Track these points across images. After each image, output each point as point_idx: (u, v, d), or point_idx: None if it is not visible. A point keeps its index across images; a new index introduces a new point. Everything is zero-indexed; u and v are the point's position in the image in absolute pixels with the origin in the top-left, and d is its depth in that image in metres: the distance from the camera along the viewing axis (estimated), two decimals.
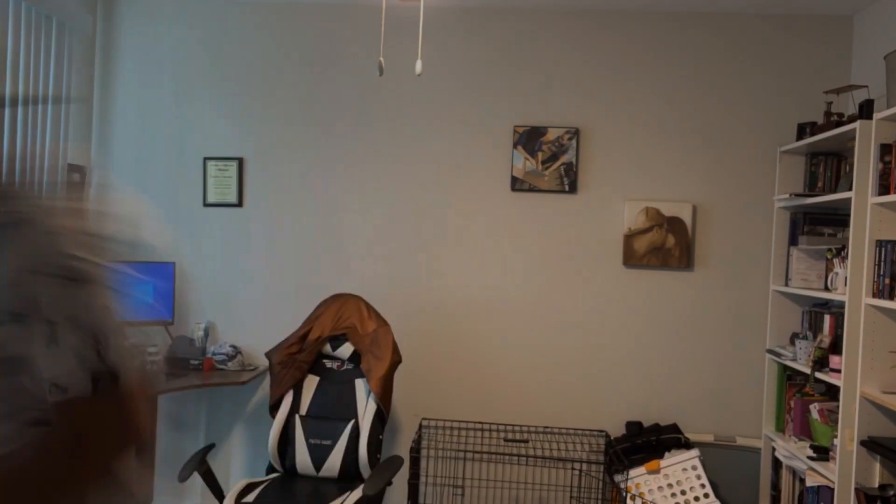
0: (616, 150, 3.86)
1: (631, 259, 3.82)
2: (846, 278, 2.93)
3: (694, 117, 3.83)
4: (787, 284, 3.60)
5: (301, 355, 3.37)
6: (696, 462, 3.54)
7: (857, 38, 3.72)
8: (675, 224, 3.79)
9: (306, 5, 3.95)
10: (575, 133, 3.83)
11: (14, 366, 0.77)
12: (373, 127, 3.94)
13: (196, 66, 3.99)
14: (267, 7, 3.96)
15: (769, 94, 3.80)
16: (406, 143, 3.93)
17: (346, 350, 3.36)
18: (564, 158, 3.84)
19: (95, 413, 0.84)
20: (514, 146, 3.85)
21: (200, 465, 3.01)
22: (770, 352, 3.63)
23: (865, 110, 2.92)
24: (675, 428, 3.72)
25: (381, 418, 3.19)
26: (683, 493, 3.48)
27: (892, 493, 2.71)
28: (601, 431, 3.85)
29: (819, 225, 3.57)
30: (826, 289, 3.32)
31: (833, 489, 2.92)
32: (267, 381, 3.90)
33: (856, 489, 2.79)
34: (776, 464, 3.57)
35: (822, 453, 3.15)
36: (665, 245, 3.79)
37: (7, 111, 3.22)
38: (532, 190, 3.86)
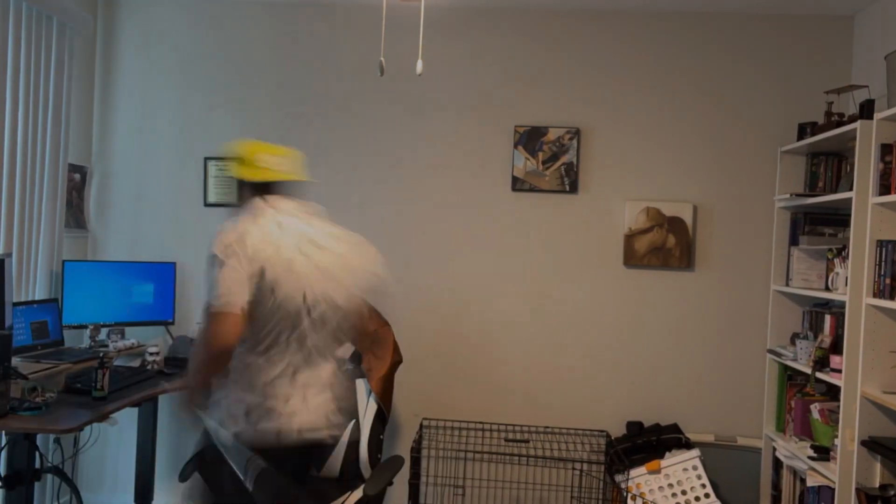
0: (617, 150, 3.86)
1: (631, 259, 3.82)
2: (847, 278, 2.93)
3: (695, 117, 3.83)
4: (787, 284, 3.60)
5: None
6: (697, 462, 3.54)
7: (857, 38, 3.72)
8: (675, 224, 3.79)
9: (307, 5, 3.95)
10: (576, 133, 3.83)
11: None
12: (374, 126, 3.94)
13: (197, 65, 4.00)
14: (268, 7, 3.96)
15: (770, 94, 3.80)
16: (407, 143, 3.93)
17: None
18: (565, 158, 3.84)
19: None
20: (515, 146, 3.85)
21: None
22: (771, 352, 3.63)
23: (866, 110, 2.92)
24: (675, 428, 3.72)
25: (382, 418, 3.18)
26: (684, 493, 3.48)
27: (892, 493, 2.71)
28: (602, 431, 3.85)
29: (820, 225, 3.57)
30: (827, 289, 3.32)
31: (834, 489, 2.92)
32: None
33: (856, 489, 2.80)
34: (777, 464, 3.57)
35: (823, 453, 3.15)
36: (666, 245, 3.80)
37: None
38: (533, 190, 3.86)
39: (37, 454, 2.84)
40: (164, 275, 3.85)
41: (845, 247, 3.12)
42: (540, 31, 3.88)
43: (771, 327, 3.69)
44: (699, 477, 3.51)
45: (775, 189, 3.74)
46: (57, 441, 3.60)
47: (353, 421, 3.15)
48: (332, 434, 2.29)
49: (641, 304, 3.86)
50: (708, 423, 3.84)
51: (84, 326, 3.62)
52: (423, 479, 3.86)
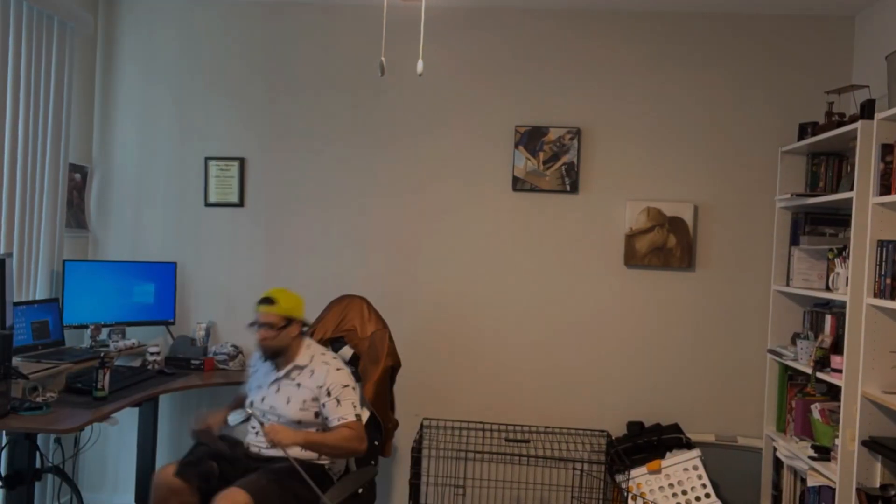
0: (617, 150, 3.86)
1: (632, 259, 3.82)
2: (847, 278, 2.93)
3: (695, 117, 3.83)
4: (788, 284, 3.60)
5: None
6: (698, 462, 3.54)
7: (858, 38, 3.72)
8: (676, 224, 3.79)
9: (308, 5, 3.95)
10: (576, 133, 3.83)
11: None
12: (374, 127, 3.94)
13: (197, 65, 4.00)
14: (268, 6, 3.96)
15: (770, 94, 3.80)
16: (407, 143, 3.93)
17: (345, 353, 3.33)
18: (566, 158, 3.84)
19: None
20: (516, 146, 3.85)
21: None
22: (771, 352, 3.63)
23: (867, 110, 2.92)
24: (676, 428, 3.72)
25: (376, 424, 3.14)
26: (685, 493, 3.48)
27: (893, 493, 2.71)
28: (602, 431, 3.85)
29: (820, 225, 3.57)
30: (827, 289, 3.32)
31: (834, 489, 2.92)
32: None
33: (857, 489, 2.79)
34: (777, 464, 3.57)
35: (824, 453, 3.15)
36: (666, 245, 3.80)
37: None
38: (533, 190, 3.86)
39: (37, 454, 2.84)
40: (164, 275, 3.85)
41: (846, 247, 3.12)
42: (541, 31, 3.88)
43: (771, 327, 3.69)
44: (700, 477, 3.51)
45: (776, 189, 3.74)
46: (57, 441, 3.60)
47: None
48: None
49: (642, 304, 3.86)
50: (708, 423, 3.84)
51: (85, 326, 3.62)
52: (424, 478, 3.86)
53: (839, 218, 3.55)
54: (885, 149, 2.80)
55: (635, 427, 3.78)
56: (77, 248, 3.93)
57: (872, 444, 2.76)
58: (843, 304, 3.13)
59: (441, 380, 3.93)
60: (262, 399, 2.96)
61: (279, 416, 2.89)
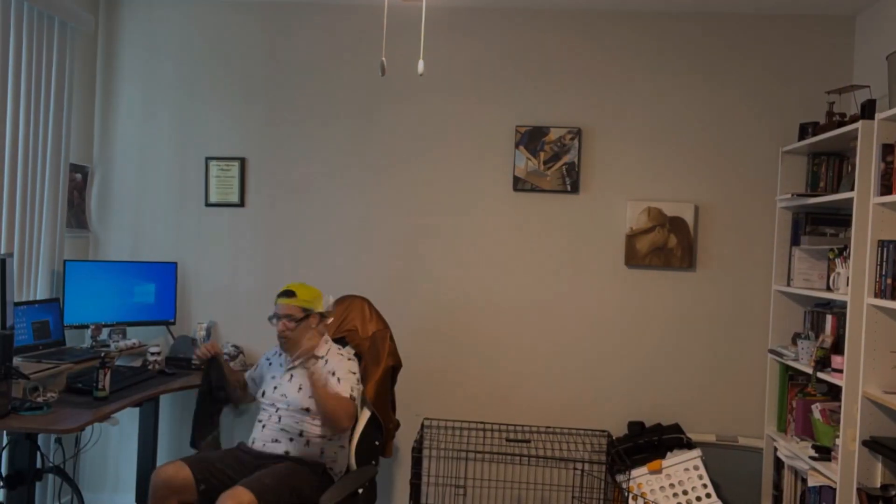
0: (618, 150, 3.86)
1: (633, 259, 3.82)
2: (848, 278, 2.93)
3: (696, 117, 3.83)
4: (789, 284, 3.60)
5: None
6: (698, 462, 3.54)
7: (859, 38, 3.72)
8: (677, 224, 3.79)
9: (308, 5, 3.95)
10: (577, 133, 3.83)
11: None
12: (375, 127, 3.95)
13: (198, 65, 4.00)
14: (269, 7, 3.96)
15: (771, 94, 3.80)
16: (408, 143, 3.93)
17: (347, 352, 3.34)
18: (566, 158, 3.84)
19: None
20: (516, 146, 3.85)
21: None
22: (772, 352, 3.63)
23: (867, 110, 2.92)
24: (676, 428, 3.72)
25: (377, 425, 3.14)
26: (685, 493, 3.48)
27: (893, 493, 2.71)
28: (603, 431, 3.85)
29: (821, 225, 3.57)
30: (828, 289, 3.32)
31: (835, 489, 2.92)
32: None
33: (858, 489, 2.79)
34: (778, 464, 3.56)
35: (824, 453, 3.15)
36: (667, 245, 3.80)
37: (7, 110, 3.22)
38: (534, 190, 3.86)
39: (38, 454, 2.84)
40: (165, 275, 3.85)
41: (846, 247, 3.12)
42: (541, 31, 3.88)
43: (772, 327, 3.69)
44: (700, 477, 3.51)
45: (777, 189, 3.74)
46: (58, 441, 3.60)
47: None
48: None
49: (643, 304, 3.86)
50: (709, 423, 3.84)
51: (85, 326, 3.62)
52: (425, 479, 3.86)
53: (840, 218, 3.55)
54: (886, 149, 2.80)
55: (636, 427, 3.77)
56: (78, 248, 3.93)
57: (873, 445, 2.76)
58: (843, 304, 3.12)
59: (442, 380, 3.93)
60: (275, 388, 3.02)
61: (289, 404, 2.96)
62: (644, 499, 3.49)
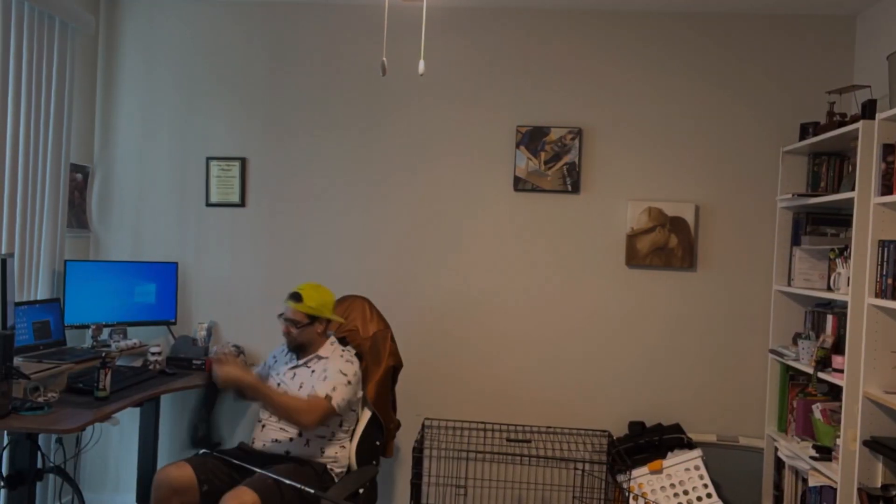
0: (619, 150, 3.86)
1: (634, 259, 3.82)
2: (849, 278, 2.93)
3: (697, 117, 3.83)
4: (789, 284, 3.59)
5: None
6: (699, 462, 3.54)
7: (859, 38, 3.72)
8: (677, 224, 3.79)
9: (309, 5, 3.95)
10: (578, 133, 3.83)
11: None
12: (376, 127, 3.95)
13: (199, 65, 4.00)
14: (270, 6, 3.96)
15: (772, 94, 3.80)
16: (409, 143, 3.93)
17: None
18: (567, 158, 3.84)
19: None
20: (517, 146, 3.85)
21: None
22: (773, 352, 3.63)
23: (868, 110, 2.92)
24: (677, 428, 3.72)
25: (378, 425, 3.15)
26: (686, 493, 3.48)
27: (894, 493, 2.71)
28: (604, 431, 3.85)
29: (822, 225, 3.57)
30: (829, 289, 3.32)
31: (835, 489, 2.92)
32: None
33: (858, 489, 2.79)
34: (779, 464, 3.56)
35: (825, 453, 3.15)
36: (668, 245, 3.80)
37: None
38: (535, 190, 3.86)
39: (39, 454, 2.84)
40: (165, 275, 3.85)
41: (847, 247, 3.12)
42: (542, 31, 3.88)
43: (773, 327, 3.69)
44: (701, 477, 3.51)
45: (777, 189, 3.74)
46: (59, 441, 3.60)
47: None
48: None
49: (643, 304, 3.86)
50: (710, 423, 3.84)
51: (86, 326, 3.62)
52: (426, 478, 3.86)
53: (840, 218, 3.55)
54: (887, 149, 2.80)
55: (637, 427, 3.77)
56: (78, 248, 3.93)
57: (874, 445, 2.76)
58: (844, 304, 3.12)
59: (442, 380, 3.93)
60: (278, 385, 3.02)
61: None
62: (645, 499, 3.49)
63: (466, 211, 3.92)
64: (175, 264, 3.88)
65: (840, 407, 3.00)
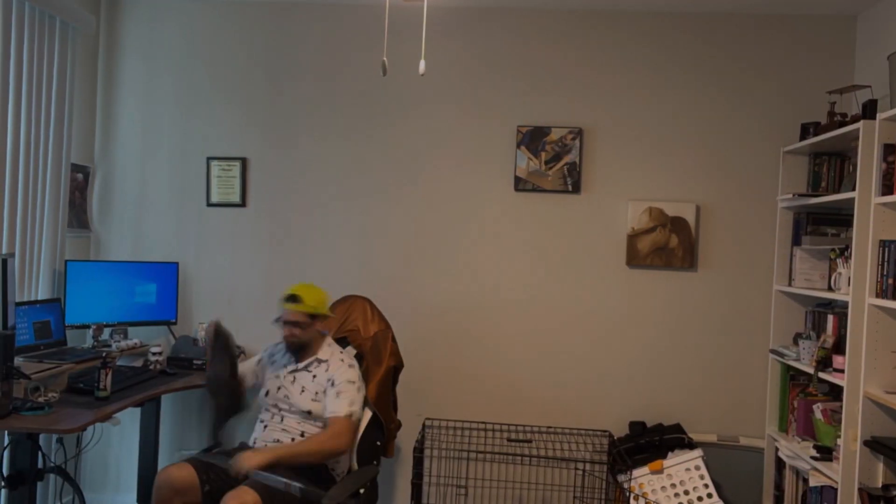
0: (619, 150, 3.86)
1: (634, 259, 3.82)
2: (849, 278, 2.93)
3: (697, 117, 3.83)
4: (790, 284, 3.59)
5: None
6: (700, 462, 3.54)
7: (860, 38, 3.71)
8: (678, 224, 3.79)
9: (309, 5, 3.95)
10: (578, 133, 3.83)
11: None
12: (376, 127, 3.95)
13: (199, 65, 4.00)
14: (270, 7, 3.96)
15: (773, 94, 3.80)
16: (409, 143, 3.93)
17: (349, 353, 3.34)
18: (568, 158, 3.84)
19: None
20: (518, 146, 3.85)
21: None
22: (773, 352, 3.63)
23: (869, 110, 2.92)
24: (678, 428, 3.72)
25: (379, 425, 3.14)
26: (686, 493, 3.48)
27: (895, 492, 2.71)
28: (604, 431, 3.85)
29: (822, 225, 3.57)
30: (829, 289, 3.32)
31: (836, 489, 2.92)
32: None
33: (859, 489, 2.79)
34: (779, 464, 3.56)
35: (826, 453, 3.15)
36: (668, 245, 3.79)
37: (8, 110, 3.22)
38: (535, 190, 3.86)
39: (39, 454, 2.84)
40: (166, 275, 3.85)
41: (848, 247, 3.12)
42: (542, 31, 3.88)
43: (774, 327, 3.69)
44: (702, 477, 3.51)
45: (778, 189, 3.74)
46: (59, 441, 3.60)
47: None
48: None
49: (644, 304, 3.86)
50: (710, 423, 3.83)
51: (87, 326, 3.62)
52: (426, 479, 3.86)
53: (841, 218, 3.55)
54: (888, 149, 2.80)
55: (637, 427, 3.77)
56: (79, 248, 3.93)
57: (874, 445, 2.76)
58: (845, 304, 3.12)
59: (443, 380, 3.93)
60: (278, 388, 3.02)
61: (291, 406, 2.97)
62: (645, 499, 3.49)
63: (467, 211, 3.92)
64: (176, 264, 3.88)
65: (841, 407, 3.00)
